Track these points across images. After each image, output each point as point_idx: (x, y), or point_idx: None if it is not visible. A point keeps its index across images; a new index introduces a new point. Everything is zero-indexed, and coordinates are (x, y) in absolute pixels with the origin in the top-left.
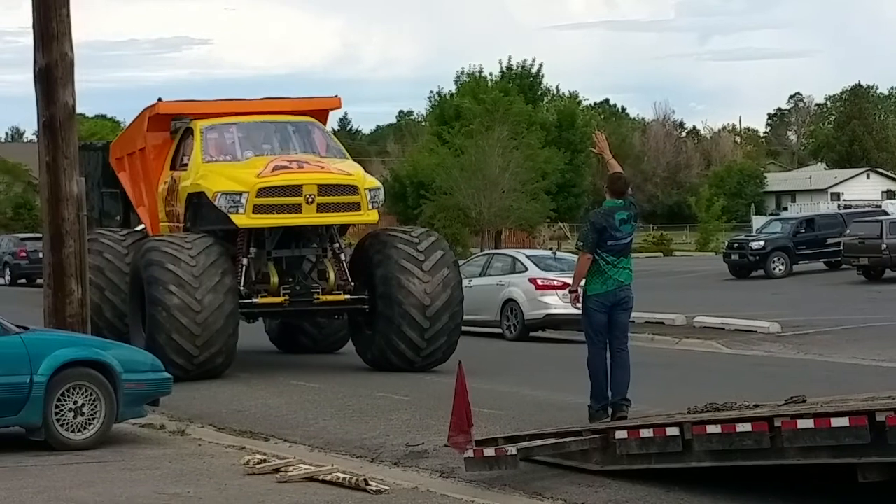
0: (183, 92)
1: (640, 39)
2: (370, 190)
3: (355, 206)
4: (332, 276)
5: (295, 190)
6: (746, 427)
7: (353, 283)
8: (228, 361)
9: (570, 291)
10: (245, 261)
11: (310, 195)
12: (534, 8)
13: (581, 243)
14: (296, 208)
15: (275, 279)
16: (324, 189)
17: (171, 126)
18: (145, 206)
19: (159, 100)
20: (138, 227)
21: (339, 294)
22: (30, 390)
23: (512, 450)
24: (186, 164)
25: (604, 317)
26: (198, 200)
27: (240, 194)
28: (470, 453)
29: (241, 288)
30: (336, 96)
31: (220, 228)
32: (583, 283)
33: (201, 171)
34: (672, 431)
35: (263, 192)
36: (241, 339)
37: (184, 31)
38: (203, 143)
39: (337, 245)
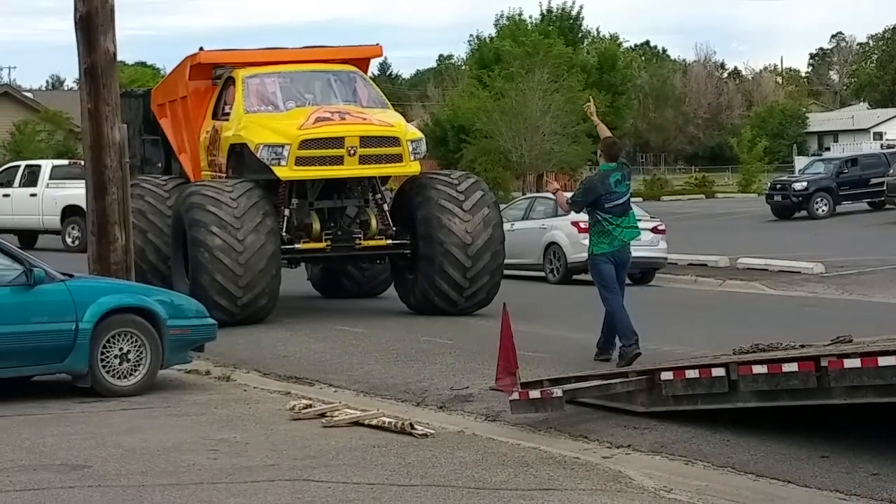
0: (222, 39)
1: None
2: (412, 141)
3: (397, 158)
4: (373, 223)
5: (337, 142)
6: (793, 367)
7: (394, 228)
8: (272, 304)
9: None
10: (287, 211)
11: (352, 147)
12: None
13: (571, 201)
14: (338, 160)
15: (317, 226)
16: (366, 141)
17: (213, 74)
18: (187, 153)
19: (201, 49)
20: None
21: (381, 239)
22: (75, 337)
23: (558, 391)
24: (228, 114)
25: (612, 267)
26: (240, 151)
27: (282, 146)
28: (515, 395)
29: (284, 234)
30: (377, 45)
31: (262, 179)
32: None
33: (243, 122)
34: (718, 372)
35: (305, 144)
36: (283, 285)
37: None
38: (245, 92)
39: (379, 195)
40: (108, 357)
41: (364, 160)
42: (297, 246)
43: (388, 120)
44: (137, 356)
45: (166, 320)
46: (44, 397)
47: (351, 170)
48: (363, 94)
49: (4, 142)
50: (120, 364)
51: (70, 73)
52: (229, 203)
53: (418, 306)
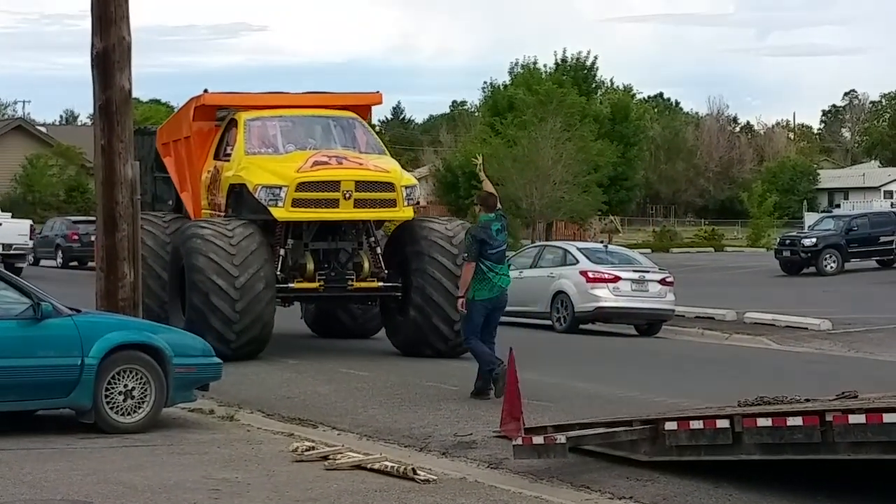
0: (238, 78)
1: (698, 33)
2: (406, 187)
3: (391, 203)
4: (366, 265)
5: (333, 185)
6: (797, 421)
7: (386, 272)
8: (270, 293)
9: (458, 297)
10: (283, 251)
11: (347, 191)
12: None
13: (466, 254)
14: (333, 203)
15: (311, 266)
16: (361, 185)
17: (216, 116)
18: (189, 191)
19: (206, 90)
20: None
21: (373, 281)
22: (81, 372)
23: (561, 438)
24: (230, 155)
25: (483, 319)
26: (239, 191)
27: (279, 188)
28: (519, 441)
29: (279, 273)
30: (378, 92)
31: (259, 219)
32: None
33: (243, 163)
34: (722, 423)
35: (302, 186)
36: (282, 323)
37: (241, 16)
38: (246, 134)
39: (373, 238)
40: (112, 393)
41: (359, 204)
42: (290, 285)
43: (383, 165)
44: (142, 393)
45: (172, 358)
46: (47, 432)
47: (346, 213)
48: (362, 140)
49: (17, 175)
50: (124, 401)
51: (84, 109)
52: (222, 220)
53: (411, 338)
